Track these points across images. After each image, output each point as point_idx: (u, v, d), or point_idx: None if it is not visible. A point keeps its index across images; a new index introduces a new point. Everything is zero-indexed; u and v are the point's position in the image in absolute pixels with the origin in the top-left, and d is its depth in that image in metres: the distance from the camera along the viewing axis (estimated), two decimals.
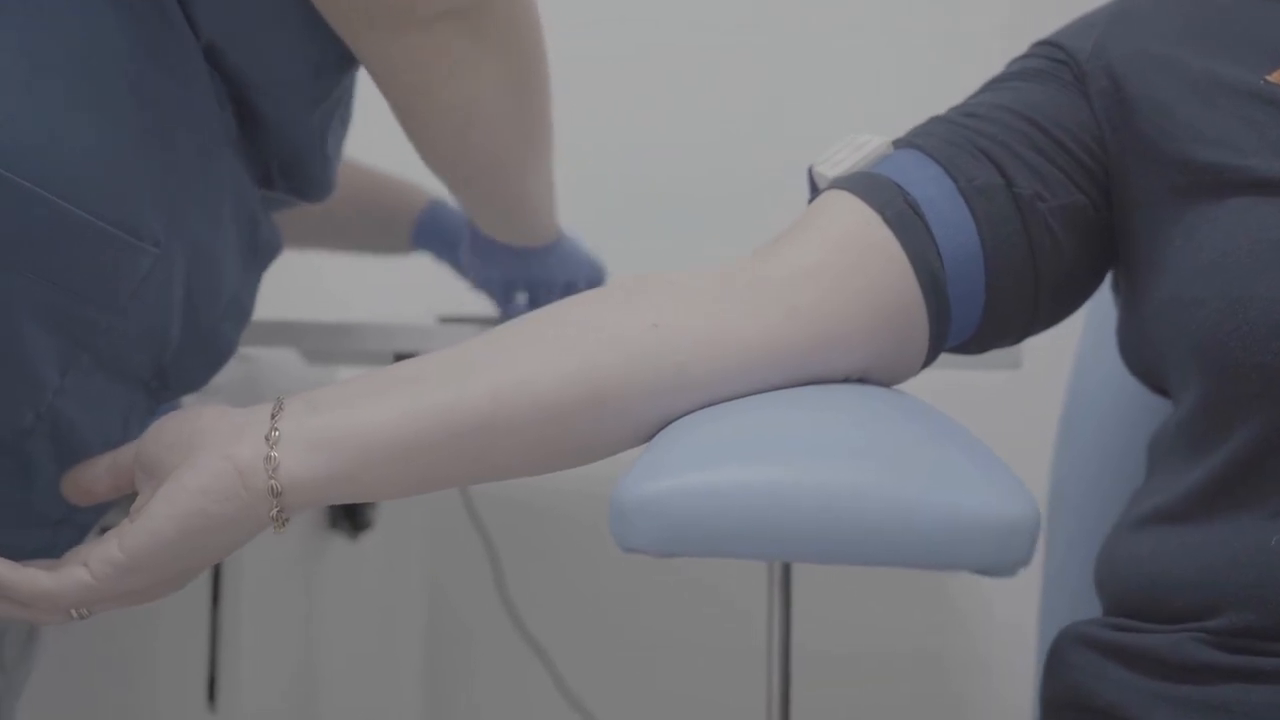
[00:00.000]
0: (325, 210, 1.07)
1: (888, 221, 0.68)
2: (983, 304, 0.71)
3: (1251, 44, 0.72)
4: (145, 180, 0.70)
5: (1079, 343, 1.02)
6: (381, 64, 0.76)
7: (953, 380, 1.07)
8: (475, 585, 1.51)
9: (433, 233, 1.22)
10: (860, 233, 0.69)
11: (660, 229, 1.52)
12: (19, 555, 0.66)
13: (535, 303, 1.13)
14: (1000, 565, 0.53)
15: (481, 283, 1.15)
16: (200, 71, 0.73)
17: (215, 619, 1.02)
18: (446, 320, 1.18)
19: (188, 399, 1.12)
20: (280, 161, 0.83)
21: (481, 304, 1.22)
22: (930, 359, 0.73)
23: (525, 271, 1.11)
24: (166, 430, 0.68)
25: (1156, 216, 0.71)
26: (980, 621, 1.61)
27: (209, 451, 0.65)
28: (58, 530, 0.75)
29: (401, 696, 1.38)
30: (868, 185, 0.71)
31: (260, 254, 0.86)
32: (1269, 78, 0.70)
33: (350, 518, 1.17)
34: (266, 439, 0.65)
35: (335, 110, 0.83)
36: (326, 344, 1.09)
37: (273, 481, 0.64)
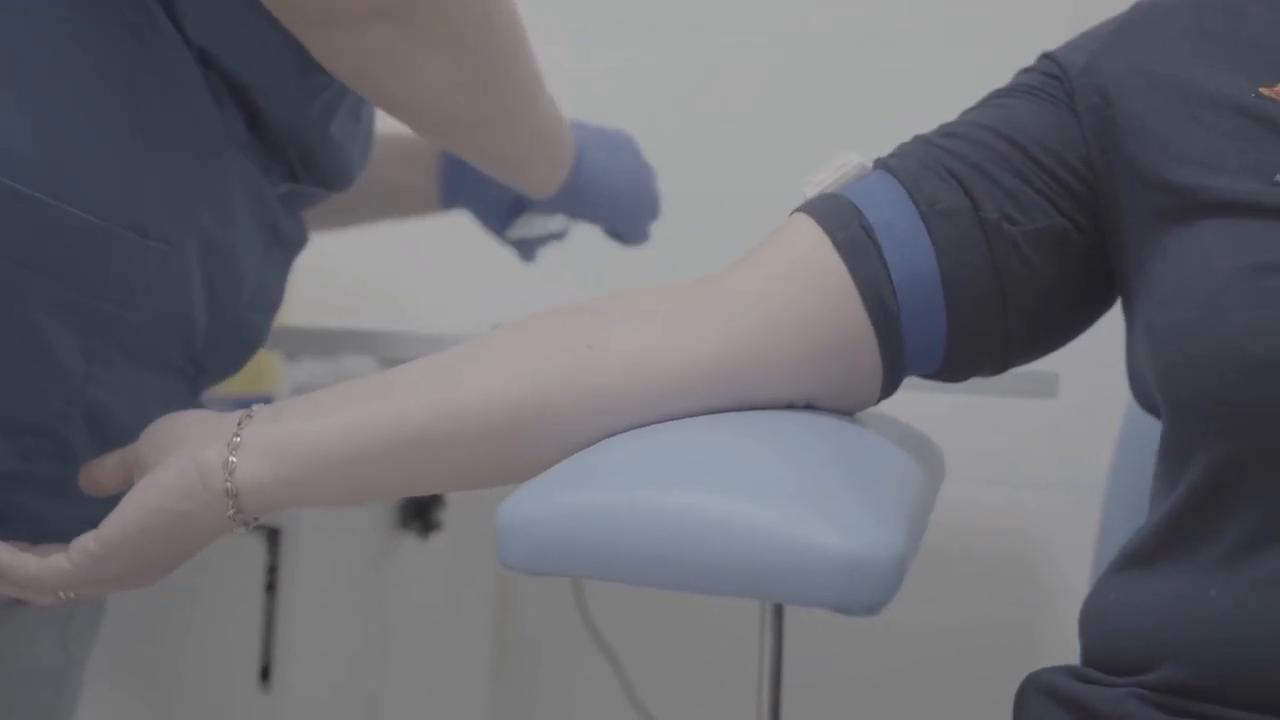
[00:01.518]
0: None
1: (837, 246, 0.68)
2: (945, 330, 0.69)
3: (1261, 51, 0.68)
4: (148, 181, 0.75)
5: None
6: (327, 60, 0.78)
7: (1000, 407, 1.04)
8: (549, 588, 1.52)
9: (458, 191, 1.21)
10: (809, 257, 0.68)
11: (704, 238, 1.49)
12: (73, 526, 0.72)
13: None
14: (849, 605, 0.52)
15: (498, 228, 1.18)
16: (194, 76, 0.77)
17: (270, 606, 1.07)
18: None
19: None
20: (298, 155, 0.87)
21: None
22: (890, 386, 0.71)
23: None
24: (156, 431, 0.74)
25: (1141, 239, 0.68)
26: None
27: (180, 453, 0.70)
28: (106, 505, 0.81)
29: (466, 697, 1.42)
30: (827, 208, 0.70)
31: (282, 246, 0.90)
32: (1263, 90, 0.65)
33: (420, 518, 1.21)
34: (228, 444, 0.69)
35: (338, 102, 0.86)
36: (394, 351, 1.14)
37: (228, 484, 0.68)
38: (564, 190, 1.03)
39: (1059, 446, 1.34)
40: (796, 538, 0.52)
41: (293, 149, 0.86)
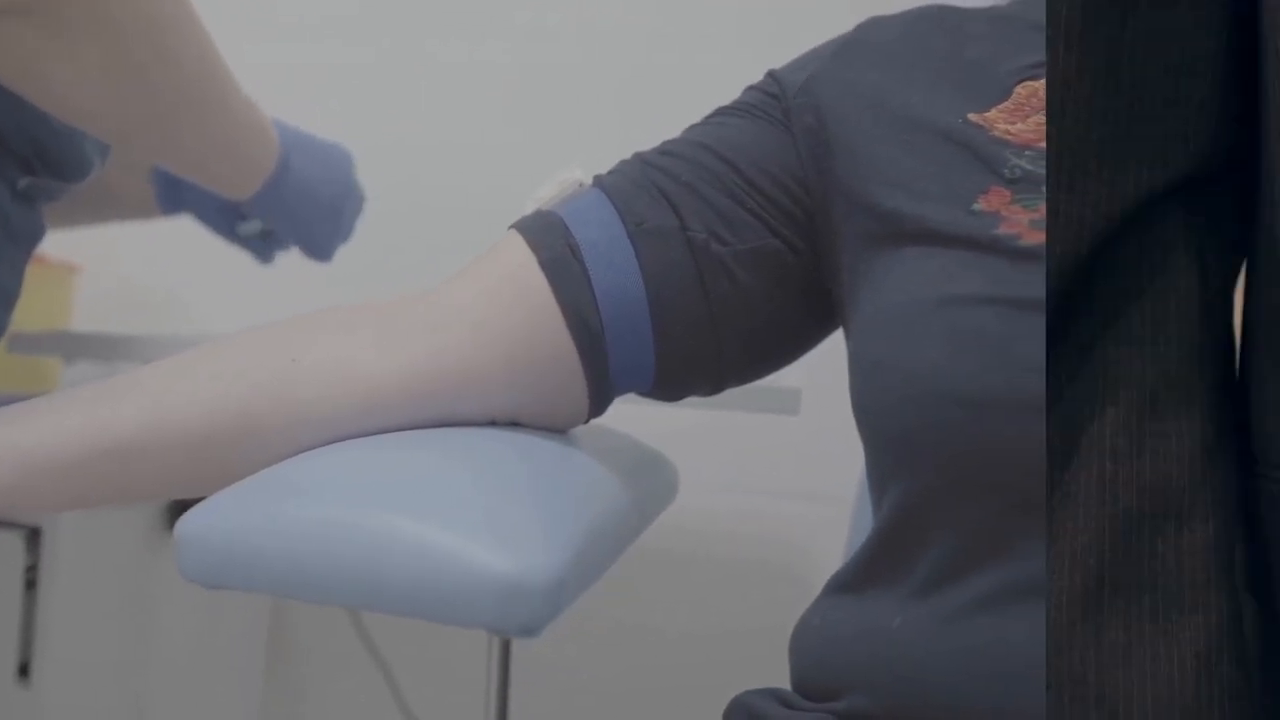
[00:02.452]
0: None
1: (543, 265, 0.68)
2: (653, 350, 0.69)
3: (980, 74, 0.68)
4: None
5: None
6: None
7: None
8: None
9: (175, 195, 1.18)
10: (516, 275, 0.69)
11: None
12: None
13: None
14: (505, 626, 0.53)
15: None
16: None
17: (29, 604, 1.06)
18: None
19: None
20: (31, 150, 0.85)
21: None
22: (598, 406, 0.72)
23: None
24: None
25: (854, 264, 0.68)
26: None
27: None
28: None
29: (235, 702, 1.42)
30: (537, 226, 0.71)
31: (15, 239, 0.89)
32: (971, 116, 0.66)
33: None
34: None
35: None
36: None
37: None
38: (262, 194, 1.01)
39: (803, 460, 1.35)
40: (453, 559, 0.53)
41: (23, 144, 0.84)
